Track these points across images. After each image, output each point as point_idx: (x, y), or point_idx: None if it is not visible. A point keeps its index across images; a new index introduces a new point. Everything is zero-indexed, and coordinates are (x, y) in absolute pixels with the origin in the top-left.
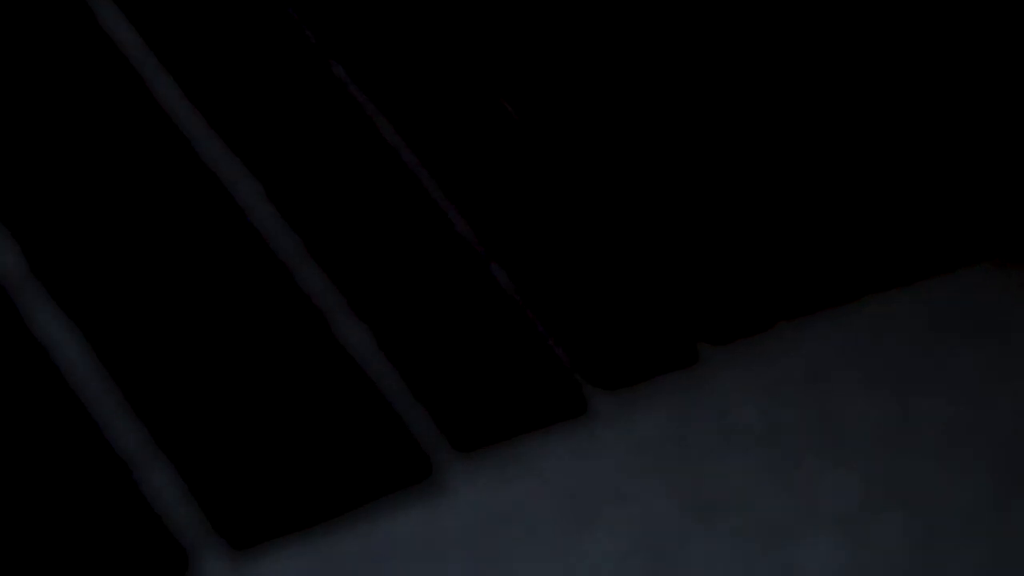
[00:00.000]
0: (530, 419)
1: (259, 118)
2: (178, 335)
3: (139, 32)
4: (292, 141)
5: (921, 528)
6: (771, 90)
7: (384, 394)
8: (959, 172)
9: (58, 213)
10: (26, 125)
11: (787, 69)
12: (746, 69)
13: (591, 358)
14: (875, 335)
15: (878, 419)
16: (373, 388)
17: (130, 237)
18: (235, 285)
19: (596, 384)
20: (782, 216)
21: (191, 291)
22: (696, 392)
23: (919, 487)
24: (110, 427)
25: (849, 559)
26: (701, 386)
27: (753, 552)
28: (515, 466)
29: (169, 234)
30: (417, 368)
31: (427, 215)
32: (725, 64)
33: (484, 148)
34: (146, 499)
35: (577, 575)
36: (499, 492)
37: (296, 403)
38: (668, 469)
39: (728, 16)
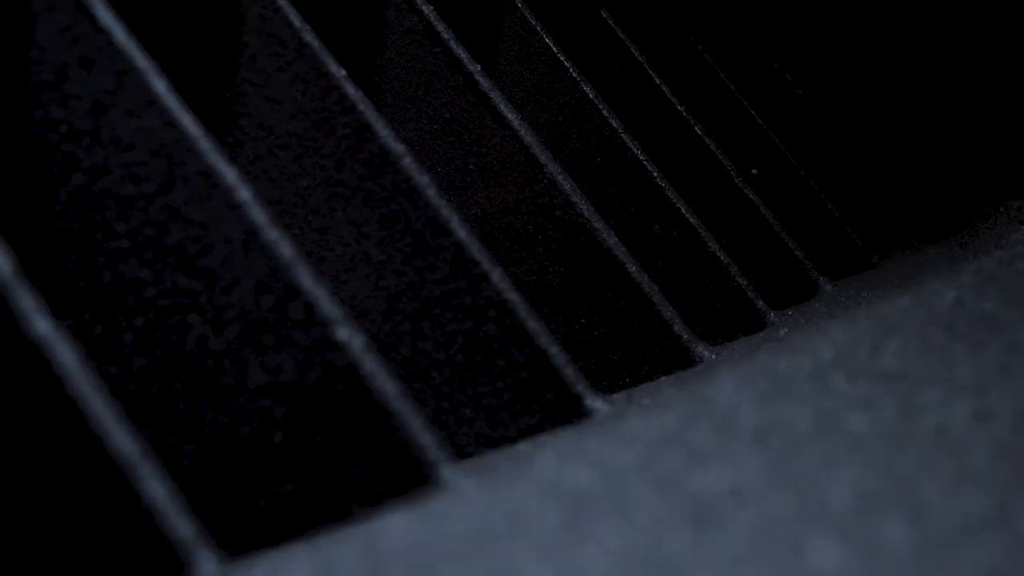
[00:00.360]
0: (529, 424)
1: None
2: (173, 338)
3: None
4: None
5: (923, 529)
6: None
7: (382, 399)
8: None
9: (49, 213)
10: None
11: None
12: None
13: (590, 360)
14: (876, 335)
15: (879, 418)
16: (371, 393)
17: (127, 238)
18: (232, 286)
19: (596, 387)
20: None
21: (187, 294)
22: (696, 393)
23: (921, 487)
24: (105, 432)
25: (850, 560)
26: (701, 387)
27: (753, 554)
28: (514, 471)
29: (167, 233)
30: (415, 373)
31: (428, 219)
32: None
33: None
34: (140, 506)
35: None
36: (498, 497)
37: (292, 409)
38: (668, 471)
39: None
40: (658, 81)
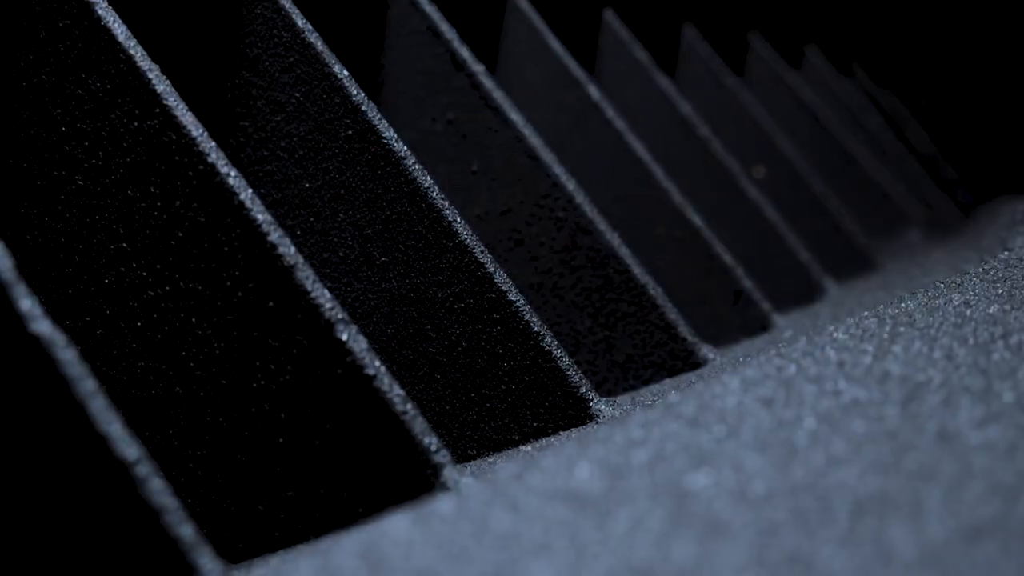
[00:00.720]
0: (534, 426)
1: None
2: (175, 341)
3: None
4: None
5: (927, 528)
6: None
7: (386, 402)
8: None
9: (49, 215)
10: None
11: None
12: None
13: (594, 363)
14: (878, 338)
15: (883, 422)
16: (375, 396)
17: (122, 241)
18: (235, 288)
19: (600, 389)
20: None
21: (189, 296)
22: (701, 397)
23: (922, 488)
24: (108, 436)
25: (857, 560)
26: (706, 390)
27: (758, 558)
28: (519, 474)
29: (166, 237)
30: (419, 376)
31: (432, 221)
32: None
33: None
34: (143, 510)
35: None
36: (502, 500)
37: (295, 412)
38: (672, 474)
39: None
40: (661, 82)
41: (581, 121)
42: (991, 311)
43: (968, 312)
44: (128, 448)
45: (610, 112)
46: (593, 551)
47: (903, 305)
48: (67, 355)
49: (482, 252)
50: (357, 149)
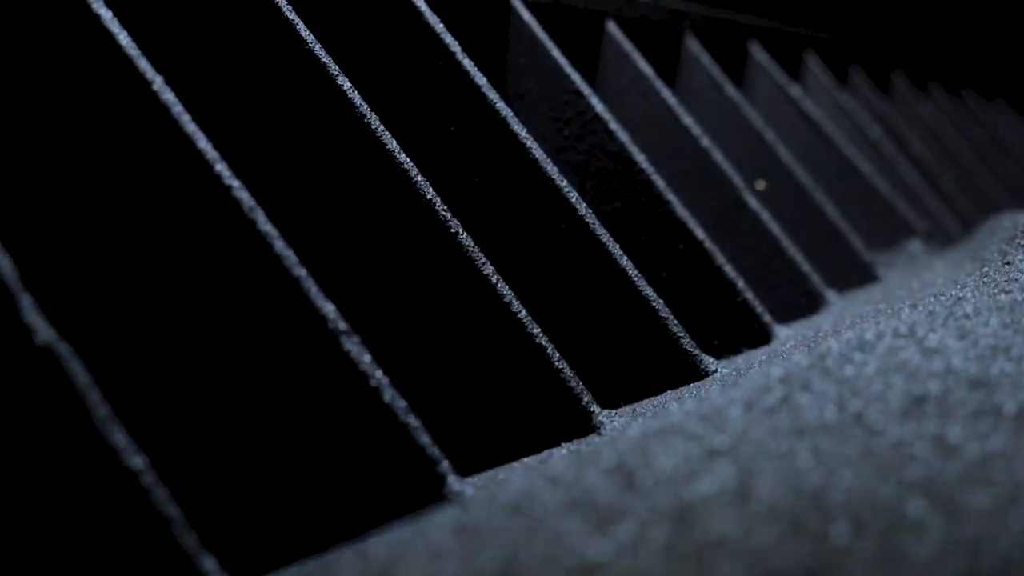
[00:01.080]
0: (536, 437)
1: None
2: (181, 351)
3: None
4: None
5: (929, 539)
6: None
7: (390, 413)
8: None
9: (50, 221)
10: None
11: None
12: None
13: (597, 374)
14: (879, 350)
15: (881, 433)
16: (379, 407)
17: (126, 248)
18: (240, 298)
19: (603, 400)
20: None
21: (195, 305)
22: (703, 407)
23: (923, 500)
24: (114, 446)
25: (861, 573)
26: (708, 401)
27: (763, 565)
28: (522, 484)
29: (170, 247)
30: (423, 387)
31: (435, 233)
32: None
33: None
34: (150, 521)
35: None
36: (506, 510)
37: (300, 422)
38: (674, 483)
39: None
40: (664, 94)
41: (584, 133)
42: (992, 323)
43: (969, 324)
44: (134, 458)
45: (613, 124)
46: (596, 562)
47: (904, 316)
48: (72, 366)
49: (485, 263)
50: (361, 160)
